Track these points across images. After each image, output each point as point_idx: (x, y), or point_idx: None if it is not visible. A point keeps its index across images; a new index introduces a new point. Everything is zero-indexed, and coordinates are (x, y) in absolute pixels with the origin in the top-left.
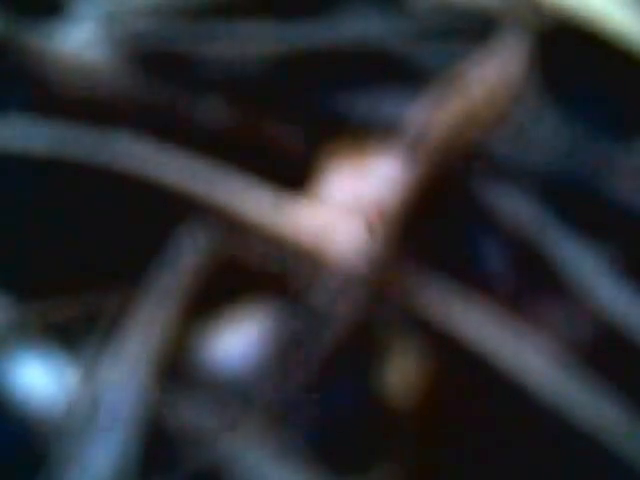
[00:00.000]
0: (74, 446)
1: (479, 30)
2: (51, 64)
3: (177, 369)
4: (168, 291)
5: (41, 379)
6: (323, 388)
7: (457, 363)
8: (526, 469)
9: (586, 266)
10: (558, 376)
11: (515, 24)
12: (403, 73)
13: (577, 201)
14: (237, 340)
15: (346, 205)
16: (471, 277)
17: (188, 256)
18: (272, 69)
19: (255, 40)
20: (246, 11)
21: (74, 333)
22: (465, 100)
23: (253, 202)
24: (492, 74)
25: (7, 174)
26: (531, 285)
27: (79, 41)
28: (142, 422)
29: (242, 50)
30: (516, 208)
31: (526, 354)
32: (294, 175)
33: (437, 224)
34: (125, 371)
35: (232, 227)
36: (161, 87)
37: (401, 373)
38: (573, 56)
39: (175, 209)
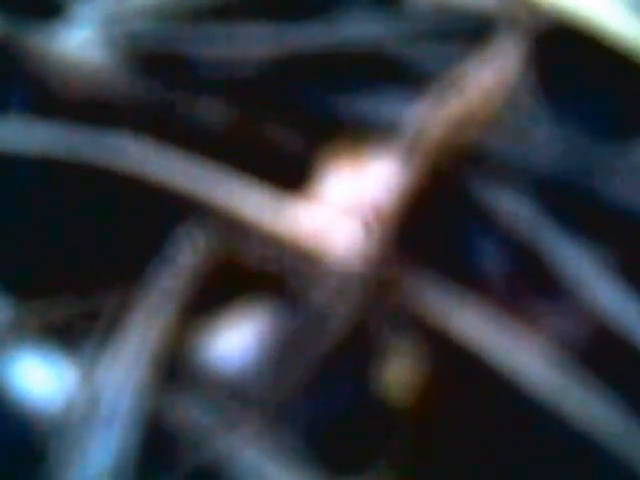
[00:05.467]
0: (73, 445)
1: (476, 32)
2: (51, 65)
3: (176, 368)
4: (167, 291)
5: (41, 379)
6: (321, 387)
7: (454, 363)
8: (523, 468)
9: (582, 266)
10: (554, 376)
11: (512, 26)
12: (401, 74)
13: (574, 202)
14: (236, 340)
15: (344, 205)
16: (468, 277)
17: (187, 256)
18: (271, 70)
19: (254, 41)
20: (245, 12)
21: (74, 333)
22: (462, 101)
23: (252, 202)
24: (489, 75)
25: (7, 174)
26: (528, 285)
27: (79, 42)
28: (141, 421)
29: (241, 51)
30: (513, 209)
31: (522, 354)
32: (292, 175)
33: (434, 225)
34: (124, 371)
35: (231, 227)
36: (160, 88)
37: (399, 373)
38: (570, 57)
39: (174, 209)
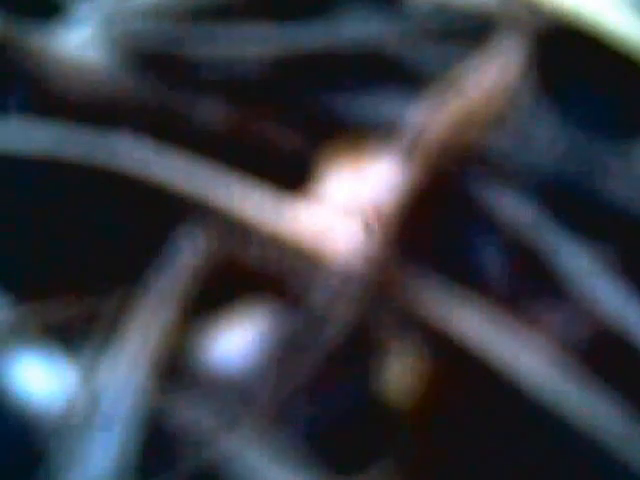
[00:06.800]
0: (73, 446)
1: (477, 32)
2: (51, 65)
3: (176, 369)
4: (167, 291)
5: (41, 379)
6: (322, 388)
7: (455, 363)
8: (524, 469)
9: (583, 267)
10: (555, 376)
11: (513, 26)
12: (401, 74)
13: (574, 203)
14: (236, 340)
15: (344, 206)
16: (469, 278)
17: (187, 256)
18: (271, 70)
19: (254, 41)
20: (245, 12)
21: (74, 333)
22: (463, 101)
23: (252, 202)
24: (490, 76)
25: (7, 174)
26: (528, 286)
27: (79, 42)
28: (141, 422)
29: (241, 51)
30: (514, 209)
31: (523, 355)
32: (293, 176)
33: (435, 225)
34: (124, 371)
35: (231, 227)
36: (161, 88)
37: (399, 373)
38: (571, 58)
39: (174, 209)
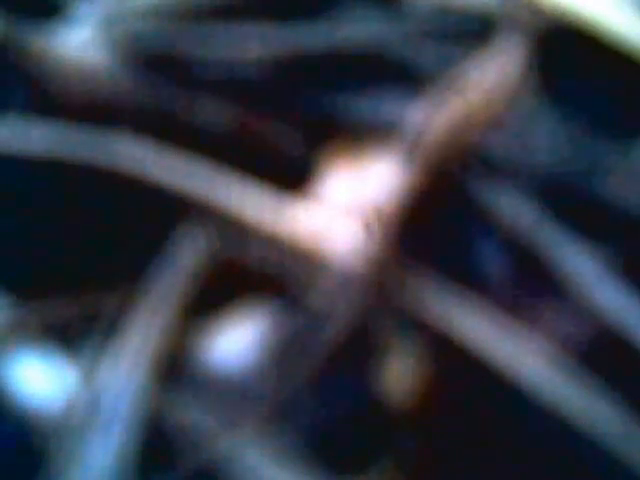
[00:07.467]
0: (74, 446)
1: (478, 32)
2: (51, 65)
3: (176, 369)
4: (167, 291)
5: (41, 379)
6: (322, 388)
7: (455, 364)
8: (524, 469)
9: (584, 267)
10: (556, 377)
11: (514, 26)
12: (402, 75)
13: (575, 203)
14: (236, 340)
15: (344, 206)
16: (469, 278)
17: (187, 256)
18: (271, 70)
19: (254, 41)
20: (245, 12)
21: (74, 333)
22: (463, 102)
23: (252, 203)
24: (490, 76)
25: (7, 174)
26: (529, 286)
27: (79, 42)
28: (141, 422)
29: (242, 51)
30: (514, 210)
31: (524, 355)
32: (293, 176)
33: (435, 225)
34: (124, 371)
35: (231, 227)
36: (161, 88)
37: (400, 374)
38: (571, 58)
39: (174, 209)
